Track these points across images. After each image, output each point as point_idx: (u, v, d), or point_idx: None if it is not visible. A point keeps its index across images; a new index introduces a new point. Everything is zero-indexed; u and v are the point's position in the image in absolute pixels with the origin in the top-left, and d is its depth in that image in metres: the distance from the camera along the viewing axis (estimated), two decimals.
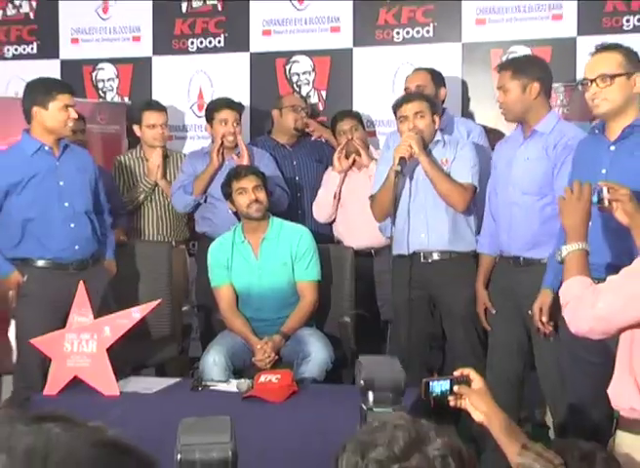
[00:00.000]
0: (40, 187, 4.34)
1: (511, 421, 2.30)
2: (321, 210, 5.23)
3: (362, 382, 2.16)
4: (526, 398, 4.37)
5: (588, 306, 2.46)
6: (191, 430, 1.76)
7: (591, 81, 3.46)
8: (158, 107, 5.56)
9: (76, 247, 4.41)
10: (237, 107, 5.22)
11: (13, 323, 5.09)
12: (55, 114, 4.33)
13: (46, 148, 4.37)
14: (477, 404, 2.30)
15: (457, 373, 2.39)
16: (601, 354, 3.39)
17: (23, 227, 4.35)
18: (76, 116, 4.40)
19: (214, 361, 4.28)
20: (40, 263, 4.40)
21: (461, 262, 4.54)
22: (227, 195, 4.60)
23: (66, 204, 4.40)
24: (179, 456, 1.65)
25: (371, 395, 2.14)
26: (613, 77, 3.43)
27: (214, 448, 1.68)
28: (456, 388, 2.36)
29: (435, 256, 4.53)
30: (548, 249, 3.90)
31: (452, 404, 2.39)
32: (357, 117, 5.32)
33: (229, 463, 1.67)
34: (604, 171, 3.45)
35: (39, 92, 4.39)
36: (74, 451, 0.61)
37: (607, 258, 3.34)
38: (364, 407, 2.15)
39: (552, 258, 3.81)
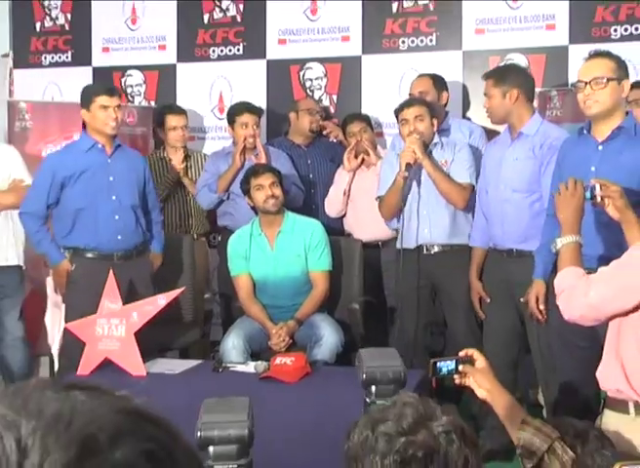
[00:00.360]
0: (91, 181, 4.39)
1: (512, 398, 2.29)
2: (332, 206, 5.22)
3: (364, 377, 2.12)
4: (520, 379, 4.35)
5: (581, 295, 2.46)
6: (212, 409, 1.74)
7: (586, 83, 3.45)
8: (178, 111, 5.57)
9: (119, 237, 4.44)
10: (257, 111, 5.21)
11: (49, 307, 5.11)
12: (95, 114, 4.37)
13: (99, 146, 4.43)
14: (481, 381, 2.29)
15: (462, 354, 2.38)
16: (588, 339, 3.39)
17: (74, 217, 4.40)
18: (114, 116, 4.37)
19: (232, 344, 4.28)
20: (88, 255, 4.44)
21: (461, 254, 4.53)
22: (246, 191, 4.59)
23: (114, 197, 4.44)
24: (198, 433, 1.63)
25: (373, 389, 2.11)
26: (607, 80, 3.42)
27: (231, 425, 1.66)
28: (461, 367, 2.35)
29: (436, 249, 4.54)
30: (538, 241, 3.90)
31: (457, 382, 2.38)
32: (366, 119, 5.30)
33: (245, 440, 1.66)
34: (593, 168, 3.44)
35: (83, 96, 4.46)
36: (97, 417, 0.60)
37: (599, 250, 3.33)
38: (367, 400, 2.11)
39: (540, 251, 3.81)
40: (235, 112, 5.19)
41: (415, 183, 4.54)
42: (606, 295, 2.42)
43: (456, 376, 2.37)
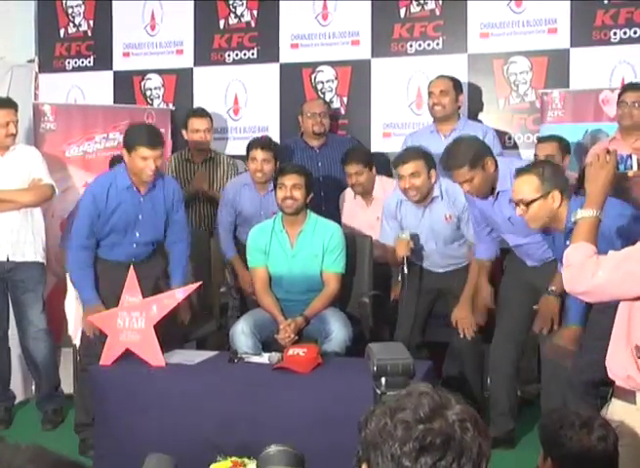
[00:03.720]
0: (121, 218, 4.30)
1: None
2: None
3: (375, 369, 2.10)
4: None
5: (589, 274, 2.36)
6: None
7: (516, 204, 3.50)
8: (201, 114, 5.57)
9: (132, 259, 4.32)
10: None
11: (72, 301, 5.11)
12: (135, 162, 4.19)
13: (134, 189, 4.30)
14: None
15: None
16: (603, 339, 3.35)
17: (98, 240, 4.34)
18: (153, 167, 4.18)
19: (241, 329, 4.27)
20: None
21: (463, 269, 4.59)
22: (275, 186, 4.55)
23: (137, 234, 4.37)
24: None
25: (383, 380, 2.09)
26: (529, 203, 3.44)
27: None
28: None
29: (440, 270, 4.65)
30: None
31: None
32: (364, 160, 5.00)
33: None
34: None
35: (128, 138, 4.27)
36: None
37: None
38: (378, 391, 2.09)
39: (572, 300, 3.60)
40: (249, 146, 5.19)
41: (423, 231, 4.57)
42: (613, 278, 2.33)
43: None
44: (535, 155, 4.80)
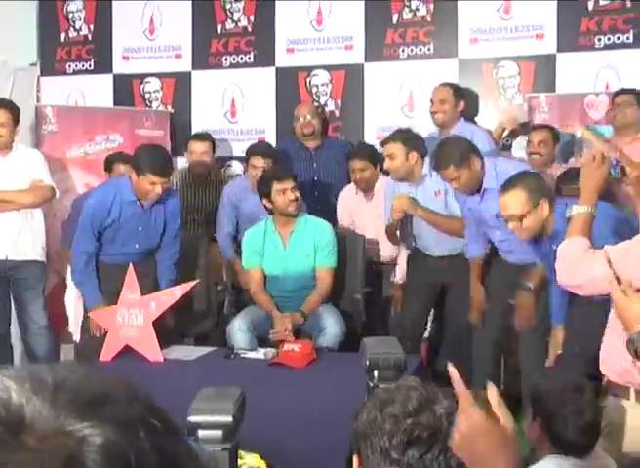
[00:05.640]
0: (123, 228, 4.33)
1: None
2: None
3: (367, 363, 2.15)
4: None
5: (586, 267, 2.39)
6: (204, 397, 1.75)
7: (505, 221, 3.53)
8: (201, 137, 5.50)
9: (129, 262, 4.35)
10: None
11: (73, 298, 5.14)
12: (142, 184, 4.18)
13: (137, 203, 4.31)
14: None
15: None
16: None
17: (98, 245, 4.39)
18: (159, 191, 4.19)
19: (238, 326, 4.31)
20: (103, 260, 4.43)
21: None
22: (266, 194, 4.49)
23: (137, 246, 4.40)
24: (188, 419, 1.65)
25: (376, 373, 2.14)
26: (520, 217, 3.44)
27: (218, 412, 1.66)
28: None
29: (447, 253, 4.60)
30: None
31: None
32: (369, 156, 4.93)
33: (230, 428, 1.66)
34: None
35: (138, 161, 4.24)
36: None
37: None
38: (370, 384, 2.14)
39: (557, 296, 3.70)
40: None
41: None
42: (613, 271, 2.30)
43: None
44: (528, 141, 4.88)
